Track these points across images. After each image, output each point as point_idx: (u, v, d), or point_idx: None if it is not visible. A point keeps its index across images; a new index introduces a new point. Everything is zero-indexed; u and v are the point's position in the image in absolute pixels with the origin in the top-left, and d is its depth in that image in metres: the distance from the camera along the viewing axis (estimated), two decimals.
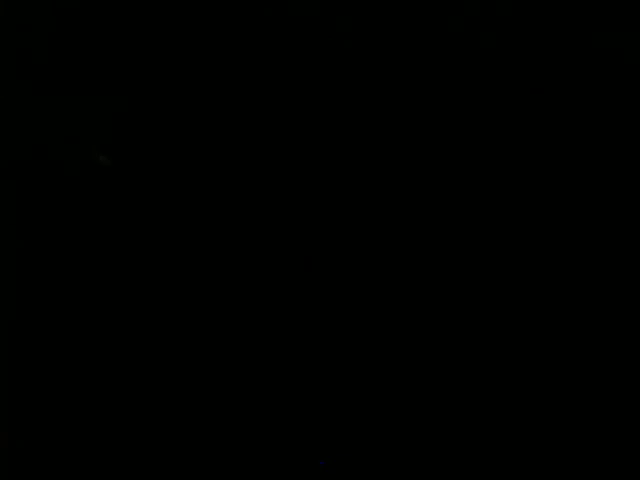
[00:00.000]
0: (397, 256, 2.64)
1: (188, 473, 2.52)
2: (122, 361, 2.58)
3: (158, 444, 2.54)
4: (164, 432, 2.55)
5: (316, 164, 2.68)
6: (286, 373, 2.59)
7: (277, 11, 2.67)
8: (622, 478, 2.47)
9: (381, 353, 2.60)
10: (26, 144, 2.64)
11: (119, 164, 2.65)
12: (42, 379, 2.56)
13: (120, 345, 2.59)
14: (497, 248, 2.63)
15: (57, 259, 2.61)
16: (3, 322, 2.57)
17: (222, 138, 2.68)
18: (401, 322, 2.61)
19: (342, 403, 2.57)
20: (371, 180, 2.68)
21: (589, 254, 2.61)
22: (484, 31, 2.66)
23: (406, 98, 2.68)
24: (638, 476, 2.47)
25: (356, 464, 2.54)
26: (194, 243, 2.65)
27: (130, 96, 2.67)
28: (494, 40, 2.66)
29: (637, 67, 2.61)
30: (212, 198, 2.67)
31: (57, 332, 2.58)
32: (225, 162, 2.68)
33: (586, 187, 2.64)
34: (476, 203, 2.65)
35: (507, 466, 2.52)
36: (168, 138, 2.68)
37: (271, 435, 2.55)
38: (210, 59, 2.69)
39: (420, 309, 2.62)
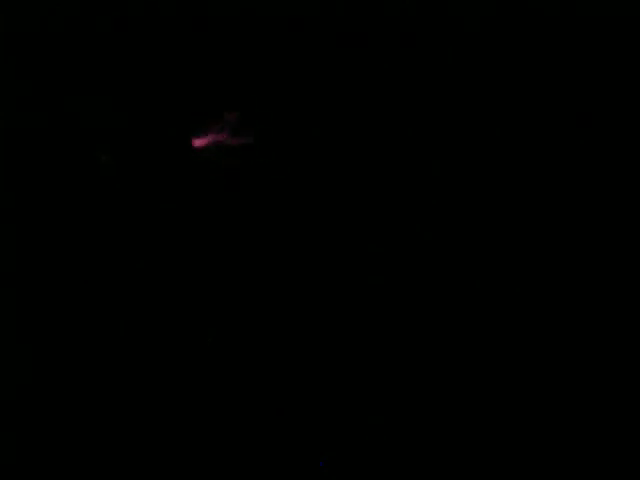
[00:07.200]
0: (397, 256, 2.65)
1: (188, 473, 2.53)
2: (122, 361, 2.58)
3: (158, 443, 2.55)
4: (164, 431, 2.55)
5: (316, 163, 2.68)
6: (286, 373, 2.59)
7: (277, 11, 2.67)
8: (622, 478, 2.47)
9: (381, 353, 2.60)
10: (26, 144, 2.64)
11: (121, 164, 2.66)
12: (43, 379, 2.57)
13: (120, 345, 2.59)
14: (498, 247, 2.64)
15: (57, 260, 2.61)
16: (4, 322, 2.58)
17: (222, 137, 2.69)
18: (401, 322, 2.61)
19: (342, 403, 2.58)
20: (371, 180, 2.68)
21: (590, 253, 2.62)
22: (484, 31, 2.67)
23: (405, 99, 2.69)
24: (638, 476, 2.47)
25: (356, 464, 2.54)
26: (195, 244, 2.65)
27: (130, 96, 2.68)
28: (494, 40, 2.66)
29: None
30: (212, 198, 2.67)
31: (57, 332, 2.59)
32: (225, 161, 2.68)
33: (587, 186, 2.64)
34: (476, 202, 2.66)
35: (507, 466, 2.52)
36: (168, 139, 2.69)
37: (271, 435, 2.55)
38: (210, 59, 2.70)
39: (420, 309, 2.62)
